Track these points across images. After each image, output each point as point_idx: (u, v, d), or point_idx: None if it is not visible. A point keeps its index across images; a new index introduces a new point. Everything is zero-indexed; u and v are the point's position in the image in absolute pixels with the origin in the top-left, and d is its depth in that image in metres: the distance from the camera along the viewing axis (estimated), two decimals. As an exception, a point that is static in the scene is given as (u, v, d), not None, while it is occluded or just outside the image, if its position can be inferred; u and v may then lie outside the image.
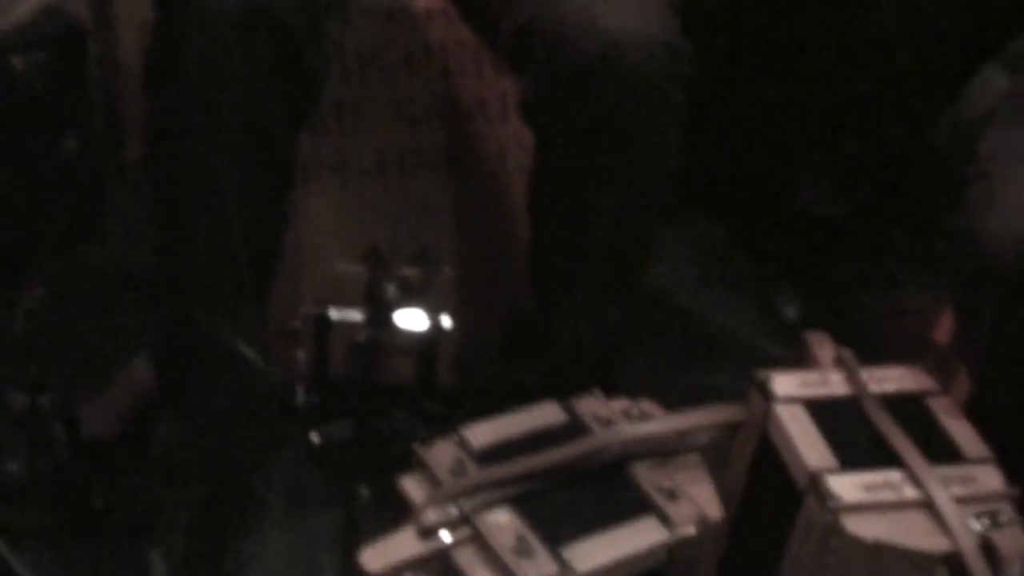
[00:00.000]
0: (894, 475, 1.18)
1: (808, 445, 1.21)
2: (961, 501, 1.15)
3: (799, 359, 1.36)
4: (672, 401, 1.27)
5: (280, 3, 1.16)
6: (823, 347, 1.34)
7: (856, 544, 1.13)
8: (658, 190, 1.27)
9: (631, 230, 1.28)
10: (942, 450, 1.21)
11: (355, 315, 1.44)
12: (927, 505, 1.15)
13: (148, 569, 1.24)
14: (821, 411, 1.24)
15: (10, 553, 1.29)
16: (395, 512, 1.12)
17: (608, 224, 1.26)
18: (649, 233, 1.32)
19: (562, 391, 1.23)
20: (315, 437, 1.47)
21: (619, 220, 1.26)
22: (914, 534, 1.13)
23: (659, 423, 1.16)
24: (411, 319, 1.46)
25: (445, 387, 1.51)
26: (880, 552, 1.13)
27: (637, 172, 1.23)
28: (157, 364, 1.37)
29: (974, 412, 1.25)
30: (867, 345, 1.34)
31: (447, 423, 1.44)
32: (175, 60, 1.16)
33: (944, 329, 1.46)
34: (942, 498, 1.14)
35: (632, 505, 1.11)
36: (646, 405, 1.22)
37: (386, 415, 1.48)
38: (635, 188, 1.24)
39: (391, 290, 1.40)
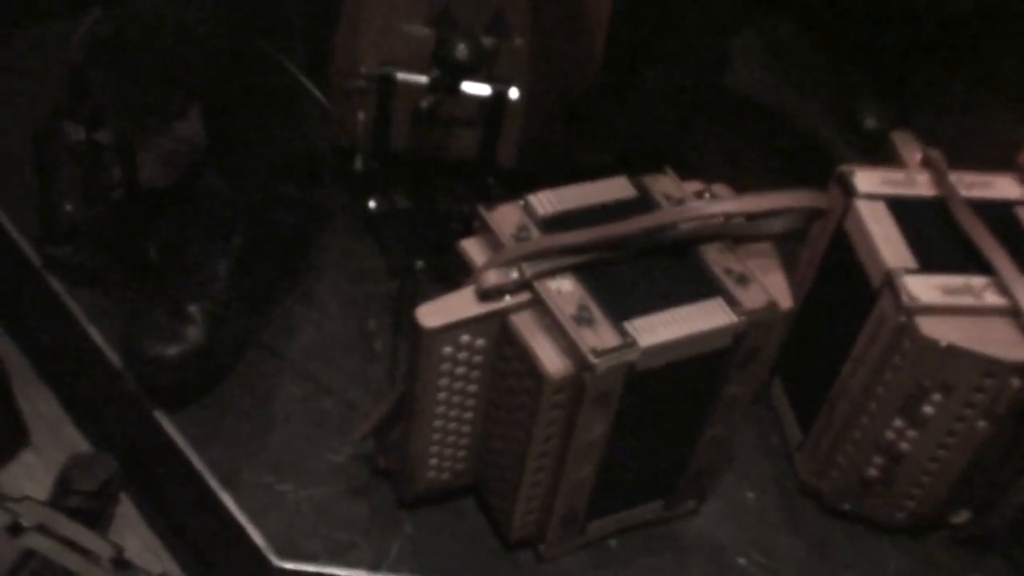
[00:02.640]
0: (977, 280, 1.12)
1: (887, 243, 1.15)
2: (1044, 313, 1.09)
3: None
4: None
5: None
6: (909, 147, 1.27)
7: (929, 346, 1.08)
8: None
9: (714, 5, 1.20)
10: (1029, 260, 1.15)
11: (420, 79, 1.38)
12: (1010, 313, 1.10)
13: (187, 321, 1.22)
14: (904, 210, 1.18)
15: (64, 290, 1.28)
16: (450, 286, 1.08)
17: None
18: (734, 9, 1.23)
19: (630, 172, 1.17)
20: (372, 204, 1.43)
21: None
22: (992, 341, 1.09)
23: (733, 202, 1.10)
24: (477, 88, 1.39)
25: (508, 164, 1.46)
26: (953, 357, 1.09)
27: None
28: (210, 104, 1.33)
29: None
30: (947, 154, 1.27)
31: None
32: None
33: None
34: (1029, 305, 1.08)
35: (700, 286, 1.06)
36: (719, 188, 1.16)
37: (446, 188, 1.44)
38: None
39: (459, 56, 1.33)
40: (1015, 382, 1.09)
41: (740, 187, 1.23)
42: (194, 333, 1.22)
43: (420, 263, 1.37)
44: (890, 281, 1.12)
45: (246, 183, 1.28)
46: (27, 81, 1.48)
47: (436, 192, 1.44)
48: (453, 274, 1.10)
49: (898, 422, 1.15)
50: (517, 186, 1.41)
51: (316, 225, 1.43)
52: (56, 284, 1.30)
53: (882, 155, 1.31)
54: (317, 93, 1.17)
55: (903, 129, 1.31)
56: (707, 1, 1.22)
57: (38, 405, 1.40)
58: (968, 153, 1.69)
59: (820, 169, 1.56)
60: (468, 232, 1.11)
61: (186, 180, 1.36)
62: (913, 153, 1.26)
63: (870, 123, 1.74)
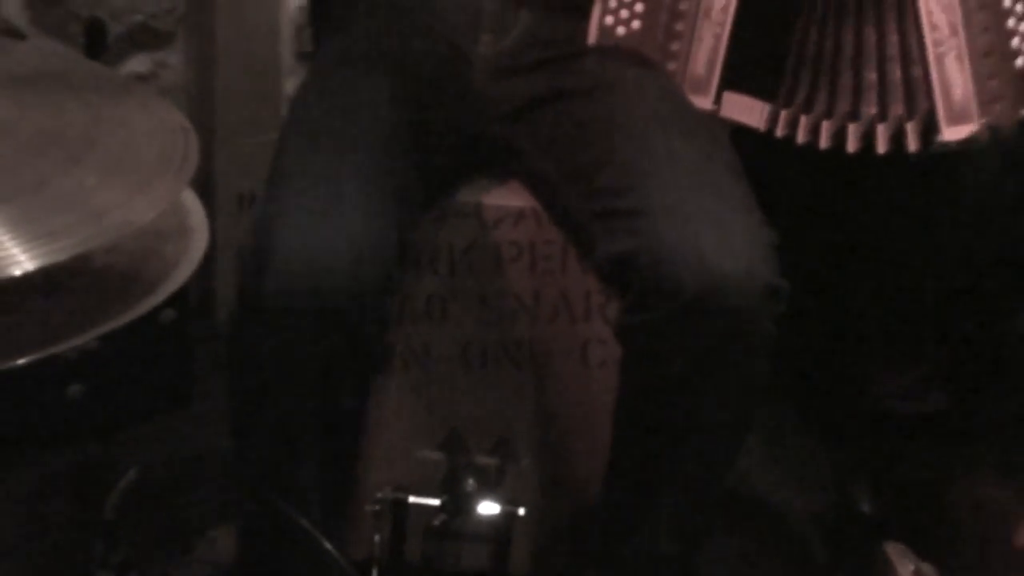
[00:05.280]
0: None
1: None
2: None
3: (874, 557, 1.35)
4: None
5: (353, 315, 1.23)
6: (904, 561, 1.33)
7: None
8: (746, 417, 1.27)
9: (716, 455, 1.29)
10: None
11: (432, 501, 1.45)
12: None
13: None
14: (900, 633, 1.23)
15: None
16: None
17: (693, 450, 1.26)
18: (734, 455, 1.32)
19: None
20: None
21: (704, 446, 1.27)
22: None
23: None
24: (487, 507, 1.46)
25: (521, 574, 1.51)
26: None
27: (727, 402, 1.24)
28: (239, 538, 1.41)
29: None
30: (944, 541, 1.33)
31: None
32: (251, 332, 1.24)
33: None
34: None
35: None
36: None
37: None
38: (723, 417, 1.25)
39: (469, 479, 1.42)
40: None
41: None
42: None
43: None
44: None
45: None
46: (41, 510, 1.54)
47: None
48: None
49: None
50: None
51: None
52: None
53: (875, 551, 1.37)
54: (333, 551, 1.25)
55: (894, 528, 1.37)
56: (709, 451, 1.31)
57: None
58: (966, 526, 1.74)
59: (818, 554, 1.59)
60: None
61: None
62: (907, 567, 1.32)
63: (866, 506, 1.79)
